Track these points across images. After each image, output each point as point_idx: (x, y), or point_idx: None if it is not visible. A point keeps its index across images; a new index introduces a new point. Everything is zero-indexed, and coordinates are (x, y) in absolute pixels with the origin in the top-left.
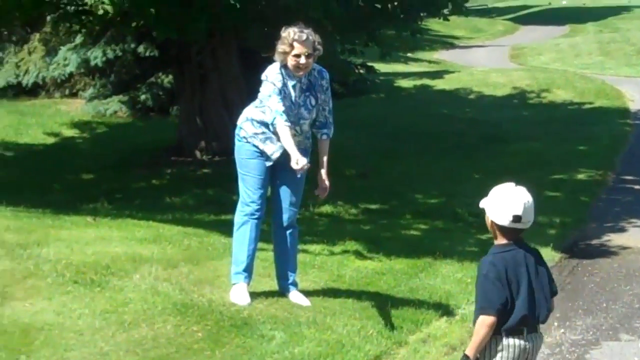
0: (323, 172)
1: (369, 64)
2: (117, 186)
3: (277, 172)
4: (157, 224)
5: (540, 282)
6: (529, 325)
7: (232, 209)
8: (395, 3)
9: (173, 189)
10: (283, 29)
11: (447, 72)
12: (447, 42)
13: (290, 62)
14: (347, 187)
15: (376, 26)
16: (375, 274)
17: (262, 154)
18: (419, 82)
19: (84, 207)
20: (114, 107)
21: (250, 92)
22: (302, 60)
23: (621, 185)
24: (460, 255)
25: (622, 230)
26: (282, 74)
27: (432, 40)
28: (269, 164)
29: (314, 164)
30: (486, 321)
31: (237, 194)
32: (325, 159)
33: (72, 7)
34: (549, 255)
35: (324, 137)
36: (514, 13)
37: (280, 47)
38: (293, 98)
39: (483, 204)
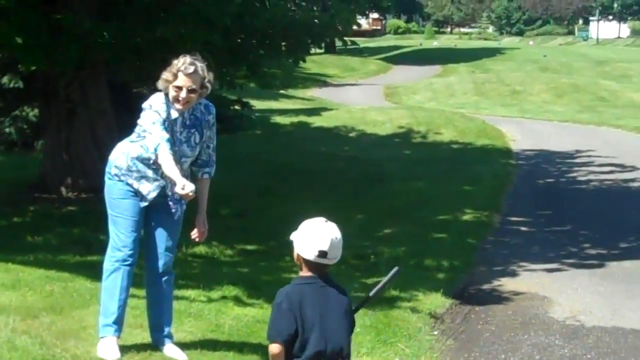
0: (202, 214)
1: (244, 99)
2: None
3: (151, 213)
4: (16, 266)
5: (338, 318)
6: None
7: (99, 249)
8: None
9: (35, 228)
10: (180, 56)
11: (324, 109)
12: (320, 80)
13: (171, 92)
14: (223, 227)
15: (257, 58)
16: (257, 323)
17: (137, 194)
18: (296, 119)
19: None
20: None
21: (120, 127)
22: (183, 94)
23: (508, 227)
24: None
25: (513, 274)
26: (166, 104)
27: (305, 77)
28: (144, 204)
29: (191, 205)
30: (273, 349)
31: (105, 233)
32: (204, 200)
33: None
34: (440, 301)
35: (205, 176)
36: (386, 53)
37: (165, 74)
38: (176, 134)
39: (292, 236)
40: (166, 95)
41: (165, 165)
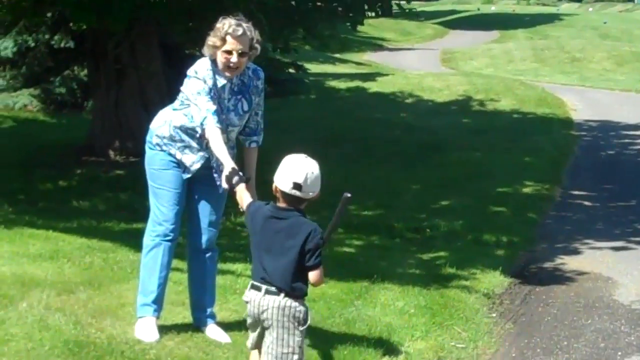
0: (250, 184)
1: (299, 62)
2: (20, 186)
3: (194, 185)
4: (57, 234)
5: (284, 249)
6: (265, 283)
7: (145, 216)
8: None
9: (82, 192)
10: (220, 19)
11: (379, 74)
12: (375, 44)
13: (220, 58)
14: (272, 195)
15: (313, 22)
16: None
17: (179, 165)
18: (351, 84)
19: None
20: (24, 101)
21: (170, 91)
22: (234, 58)
23: (570, 201)
24: (400, 278)
25: (575, 252)
26: (212, 70)
27: (360, 41)
28: (186, 176)
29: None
30: None
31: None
32: (253, 170)
33: None
34: (498, 280)
35: (253, 144)
36: (443, 17)
37: (211, 40)
38: (223, 101)
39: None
40: (212, 61)
41: (212, 142)
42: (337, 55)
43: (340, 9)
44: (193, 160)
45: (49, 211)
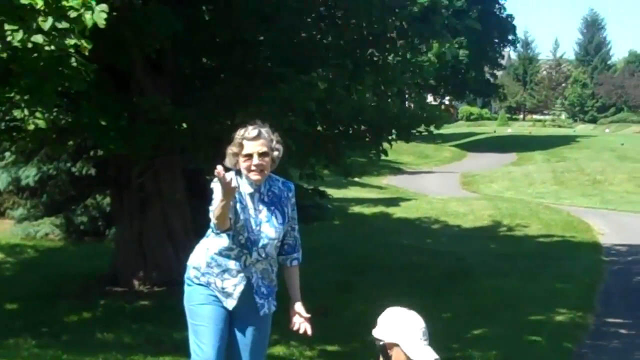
0: (297, 302)
1: (321, 188)
2: (44, 318)
3: (235, 319)
4: None
5: None
6: None
7: (170, 348)
8: (362, 127)
9: (106, 323)
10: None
11: (402, 199)
12: (394, 168)
13: (242, 165)
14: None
15: (339, 148)
16: None
17: (219, 299)
18: (375, 209)
19: (4, 343)
20: (45, 230)
21: (195, 219)
22: (256, 160)
23: (604, 329)
24: None
25: None
26: (237, 179)
27: (379, 165)
28: (231, 305)
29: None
30: None
31: (178, 330)
32: (297, 290)
33: (2, 124)
34: None
35: (295, 262)
36: (460, 140)
37: (230, 149)
38: (252, 211)
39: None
40: (237, 172)
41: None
42: (356, 179)
43: (368, 136)
44: (234, 283)
45: (74, 344)
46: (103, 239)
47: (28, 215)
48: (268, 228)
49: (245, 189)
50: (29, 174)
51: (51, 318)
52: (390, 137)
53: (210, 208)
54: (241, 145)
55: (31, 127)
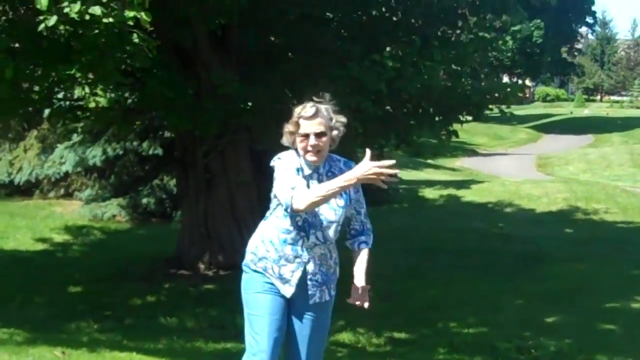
0: (362, 279)
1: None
2: (107, 301)
3: (292, 309)
4: (140, 357)
5: None
6: None
7: (234, 332)
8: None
9: (170, 307)
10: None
11: (474, 181)
12: (468, 150)
13: (299, 145)
14: (369, 312)
15: (408, 128)
16: None
17: (277, 287)
18: (445, 192)
19: (66, 326)
20: (113, 211)
21: (262, 200)
22: (312, 140)
23: None
24: None
25: None
26: (298, 159)
27: (452, 147)
28: (289, 292)
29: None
30: None
31: (243, 316)
32: (365, 273)
33: (67, 102)
34: None
35: (363, 245)
36: (536, 121)
37: (287, 127)
38: None
39: None
40: (296, 151)
41: (310, 195)
42: (430, 161)
43: (438, 115)
44: (292, 269)
45: (136, 329)
46: (170, 221)
47: (96, 197)
48: (327, 210)
49: (305, 170)
50: (96, 154)
51: (115, 301)
52: (461, 117)
53: (276, 188)
54: (297, 124)
55: (92, 104)
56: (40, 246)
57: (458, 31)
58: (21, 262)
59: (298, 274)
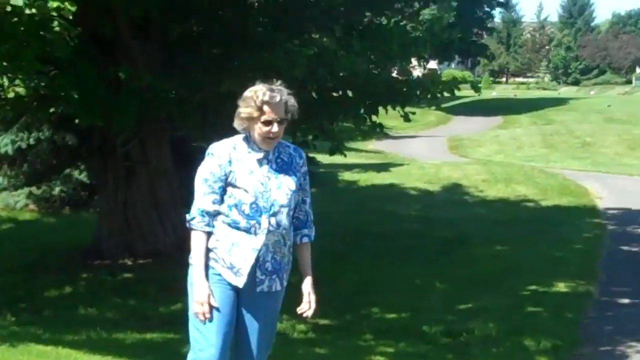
0: (307, 282)
1: (310, 154)
2: (23, 294)
3: (241, 299)
4: (67, 351)
5: None
6: None
7: (157, 323)
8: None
9: (89, 298)
10: (249, 89)
11: (392, 164)
12: (379, 132)
13: (258, 131)
14: (293, 298)
15: (330, 117)
16: None
17: (227, 275)
18: (365, 176)
19: None
20: (25, 201)
21: (183, 188)
22: (275, 128)
23: (609, 299)
24: None
25: (623, 356)
26: (244, 146)
27: (364, 129)
28: (241, 282)
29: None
30: None
31: (167, 305)
32: (308, 268)
33: None
34: None
35: (305, 239)
36: (444, 103)
37: (245, 111)
38: (260, 177)
39: None
40: (246, 136)
41: (193, 245)
42: (345, 144)
43: (362, 104)
44: (244, 257)
45: (55, 320)
46: (84, 210)
47: (7, 186)
48: (279, 194)
49: (254, 155)
50: (7, 142)
51: (31, 293)
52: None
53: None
54: (260, 110)
55: (11, 95)
56: None
57: (383, 16)
58: None
59: (251, 261)
